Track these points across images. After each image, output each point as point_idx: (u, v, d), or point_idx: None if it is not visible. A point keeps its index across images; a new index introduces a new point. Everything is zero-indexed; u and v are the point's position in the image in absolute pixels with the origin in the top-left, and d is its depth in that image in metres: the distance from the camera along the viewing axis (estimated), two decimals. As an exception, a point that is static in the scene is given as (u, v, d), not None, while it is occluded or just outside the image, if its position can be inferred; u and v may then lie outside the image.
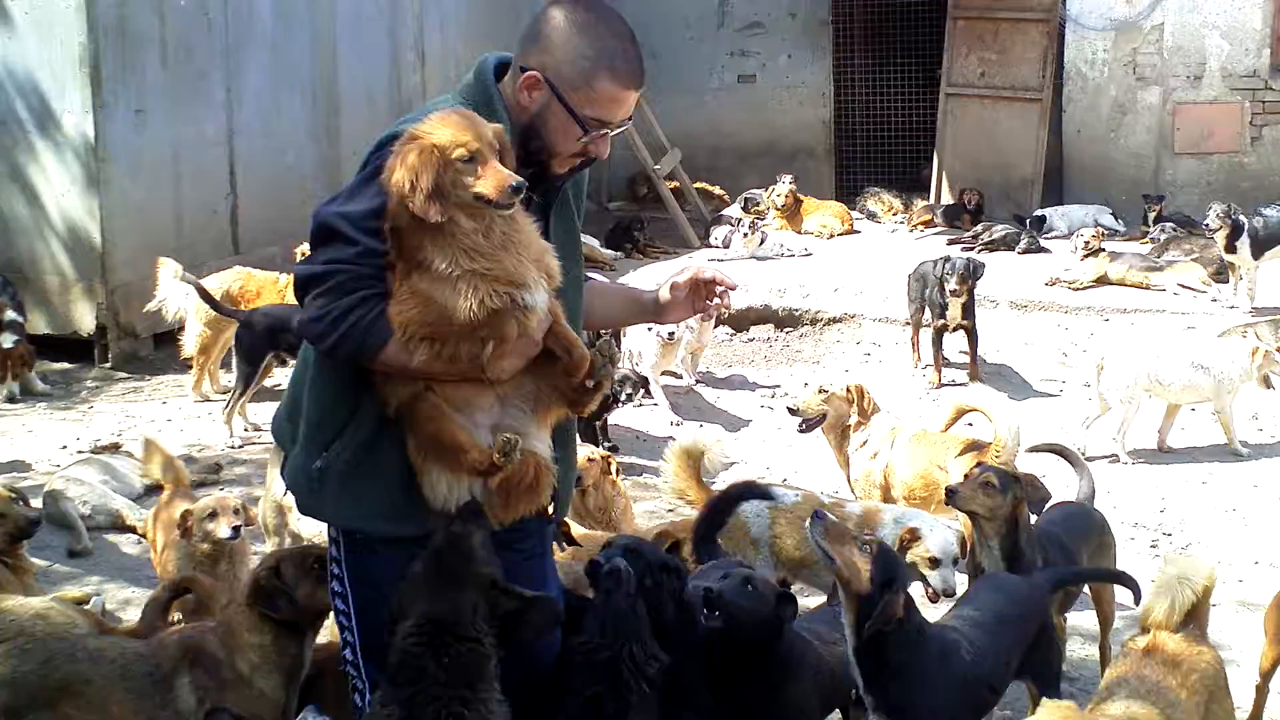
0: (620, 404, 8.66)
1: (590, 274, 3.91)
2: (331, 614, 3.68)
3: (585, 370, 3.24)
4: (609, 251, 13.75)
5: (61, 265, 10.28)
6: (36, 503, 6.49)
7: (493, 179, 3.02)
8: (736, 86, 16.75)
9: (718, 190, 16.04)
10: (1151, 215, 13.85)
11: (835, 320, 11.58)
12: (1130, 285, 11.90)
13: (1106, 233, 13.26)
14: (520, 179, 3.04)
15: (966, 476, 5.07)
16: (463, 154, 3.03)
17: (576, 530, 5.92)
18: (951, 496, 4.91)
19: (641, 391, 9.06)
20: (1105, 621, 5.39)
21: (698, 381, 10.03)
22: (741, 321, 11.59)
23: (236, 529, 5.31)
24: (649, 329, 9.13)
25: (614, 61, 3.19)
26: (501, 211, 3.05)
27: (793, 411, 7.21)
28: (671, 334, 9.19)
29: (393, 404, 3.19)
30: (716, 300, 3.57)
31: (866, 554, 3.83)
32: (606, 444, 8.40)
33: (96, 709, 4.04)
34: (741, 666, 3.82)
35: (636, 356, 9.43)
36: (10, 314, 9.43)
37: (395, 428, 3.22)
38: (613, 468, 6.54)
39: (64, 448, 8.48)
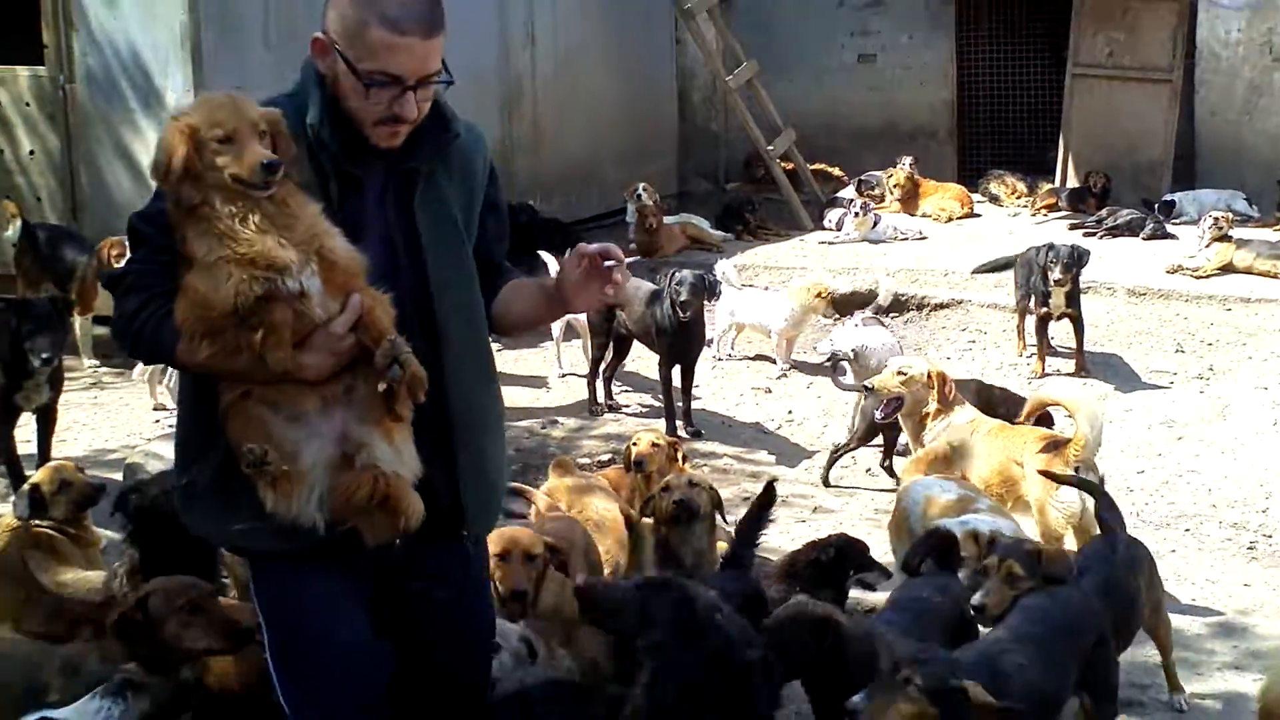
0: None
1: (519, 271, 3.63)
2: None
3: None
4: (718, 233, 13.55)
5: (165, 240, 10.41)
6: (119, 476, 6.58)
7: (245, 157, 2.91)
8: (856, 66, 16.40)
9: (836, 171, 15.71)
10: (1287, 201, 13.21)
11: (942, 305, 11.20)
12: (1258, 273, 11.25)
13: (1237, 218, 12.64)
14: (274, 156, 2.92)
15: (985, 568, 4.52)
16: (218, 134, 2.93)
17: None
18: (981, 614, 4.37)
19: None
20: (1165, 651, 5.09)
21: (791, 367, 9.80)
22: (846, 306, 11.27)
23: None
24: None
25: (384, 8, 3.00)
26: (257, 192, 2.92)
27: (868, 390, 6.98)
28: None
29: (220, 413, 3.03)
30: (610, 288, 3.25)
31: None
32: (690, 429, 8.27)
33: None
34: None
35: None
36: None
37: None
38: (679, 454, 6.39)
39: (156, 421, 8.58)
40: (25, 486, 5.77)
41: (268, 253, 2.88)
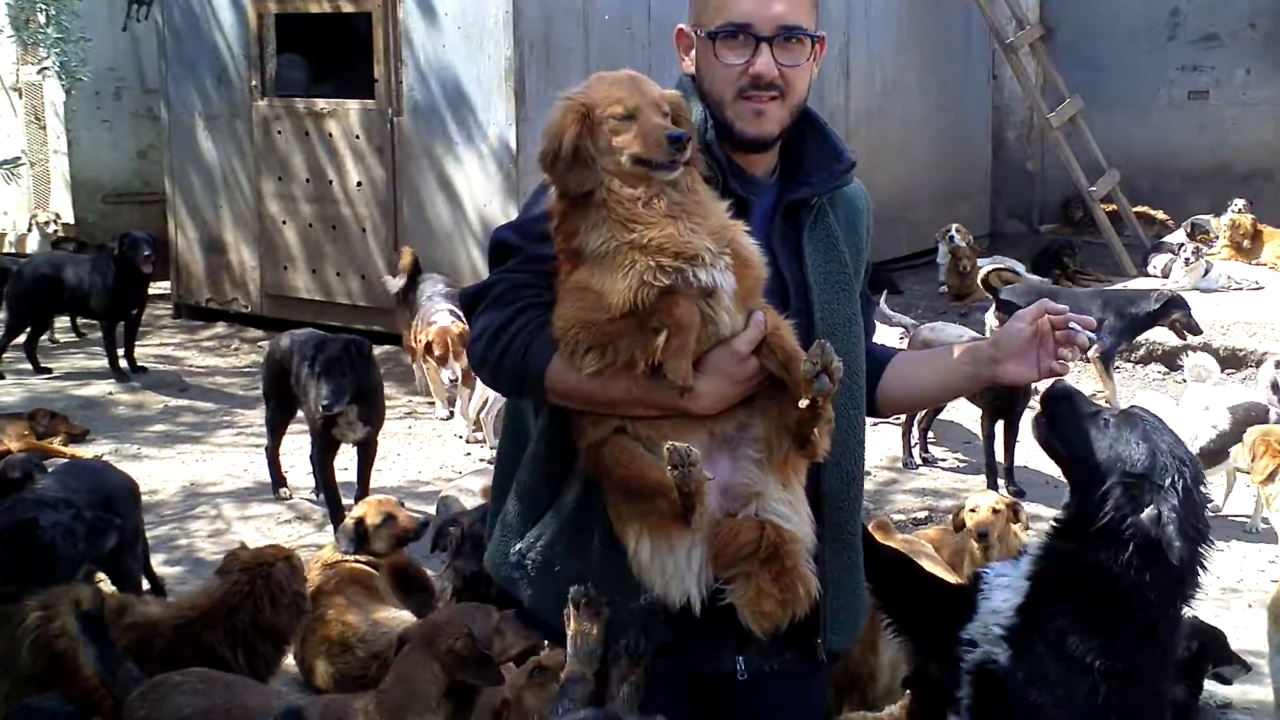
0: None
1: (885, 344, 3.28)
2: None
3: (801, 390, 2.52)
4: (1034, 277, 12.96)
5: (479, 270, 10.54)
6: (432, 508, 6.61)
7: (648, 134, 2.55)
8: (1186, 103, 15.55)
9: (1161, 215, 14.91)
10: None
11: (1286, 363, 10.41)
12: None
13: None
14: (679, 130, 2.56)
15: None
16: (617, 111, 2.58)
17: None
18: None
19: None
20: None
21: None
22: (1174, 359, 10.62)
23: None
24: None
25: None
26: (663, 174, 2.55)
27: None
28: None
29: (583, 450, 2.66)
30: (1067, 352, 2.79)
31: None
32: (1012, 488, 7.82)
33: None
34: None
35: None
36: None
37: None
38: (1020, 516, 6.01)
39: (468, 454, 8.64)
40: (350, 520, 5.81)
41: (677, 238, 2.51)
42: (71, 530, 4.88)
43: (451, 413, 9.28)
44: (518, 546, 2.85)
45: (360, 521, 5.74)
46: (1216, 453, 7.16)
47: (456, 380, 8.37)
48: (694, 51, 2.83)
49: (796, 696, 2.94)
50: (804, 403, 2.53)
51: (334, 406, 6.85)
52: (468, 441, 8.79)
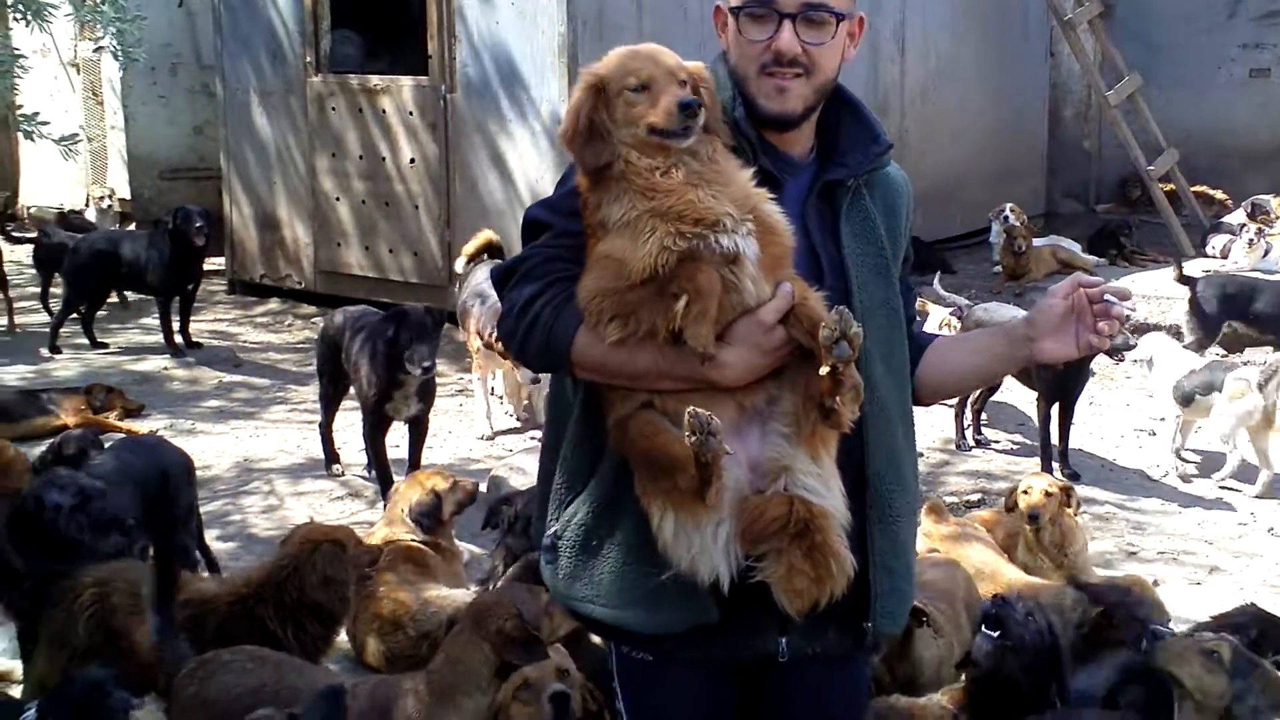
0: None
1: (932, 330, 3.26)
2: None
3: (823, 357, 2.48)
4: (1091, 257, 12.87)
5: (532, 248, 10.53)
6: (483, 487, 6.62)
7: (661, 103, 2.55)
8: (1248, 81, 15.29)
9: (1220, 194, 14.70)
10: None
11: (1345, 344, 10.25)
12: None
13: None
14: (692, 96, 2.55)
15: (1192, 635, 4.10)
16: (631, 83, 2.58)
17: (1020, 578, 5.41)
18: (1152, 657, 3.86)
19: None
20: None
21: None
22: (1235, 343, 10.49)
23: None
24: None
25: None
26: (678, 142, 2.55)
27: None
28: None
29: (611, 426, 2.64)
30: (1105, 325, 2.69)
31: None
32: (1066, 471, 7.74)
33: None
34: None
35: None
36: None
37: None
38: (1073, 500, 5.95)
39: (520, 432, 8.65)
40: (426, 495, 5.82)
41: (697, 204, 2.51)
42: (73, 517, 4.88)
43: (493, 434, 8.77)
44: (553, 529, 2.84)
45: (435, 493, 5.79)
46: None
47: (538, 381, 7.89)
48: (728, 29, 2.81)
49: (838, 679, 2.91)
50: (824, 370, 2.49)
51: (433, 368, 7.01)
52: (518, 419, 8.80)
